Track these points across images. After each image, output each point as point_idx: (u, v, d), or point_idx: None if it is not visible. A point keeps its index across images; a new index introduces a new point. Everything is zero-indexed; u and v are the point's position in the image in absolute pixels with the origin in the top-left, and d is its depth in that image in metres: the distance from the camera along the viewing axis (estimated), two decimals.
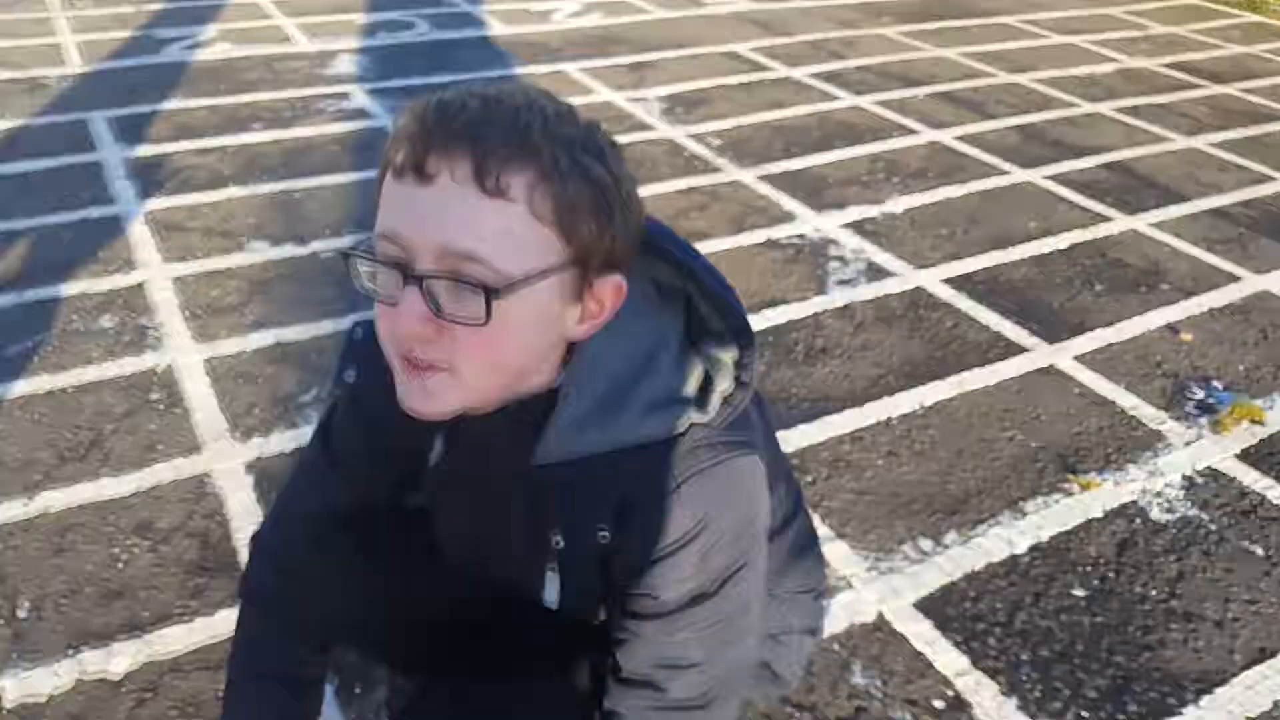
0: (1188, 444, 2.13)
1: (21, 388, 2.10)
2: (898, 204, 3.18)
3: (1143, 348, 2.48)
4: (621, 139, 3.36)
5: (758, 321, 2.49)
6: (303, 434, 2.01)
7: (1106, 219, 3.15)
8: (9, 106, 3.51)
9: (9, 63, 3.93)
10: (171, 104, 3.66)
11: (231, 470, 1.91)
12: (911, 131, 3.78)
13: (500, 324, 0.74)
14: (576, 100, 3.76)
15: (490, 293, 0.73)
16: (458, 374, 0.78)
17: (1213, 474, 2.05)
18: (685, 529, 0.87)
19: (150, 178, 3.06)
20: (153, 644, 1.54)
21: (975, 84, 4.36)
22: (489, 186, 0.72)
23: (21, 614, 1.58)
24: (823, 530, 1.84)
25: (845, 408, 2.19)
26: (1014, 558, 1.81)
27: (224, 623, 1.58)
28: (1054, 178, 3.43)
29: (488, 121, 0.73)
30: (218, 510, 1.81)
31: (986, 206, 3.20)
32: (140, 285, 2.51)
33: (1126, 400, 2.27)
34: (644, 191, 3.06)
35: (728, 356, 0.88)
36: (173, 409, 2.07)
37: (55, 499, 1.81)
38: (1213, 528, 1.91)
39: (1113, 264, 2.88)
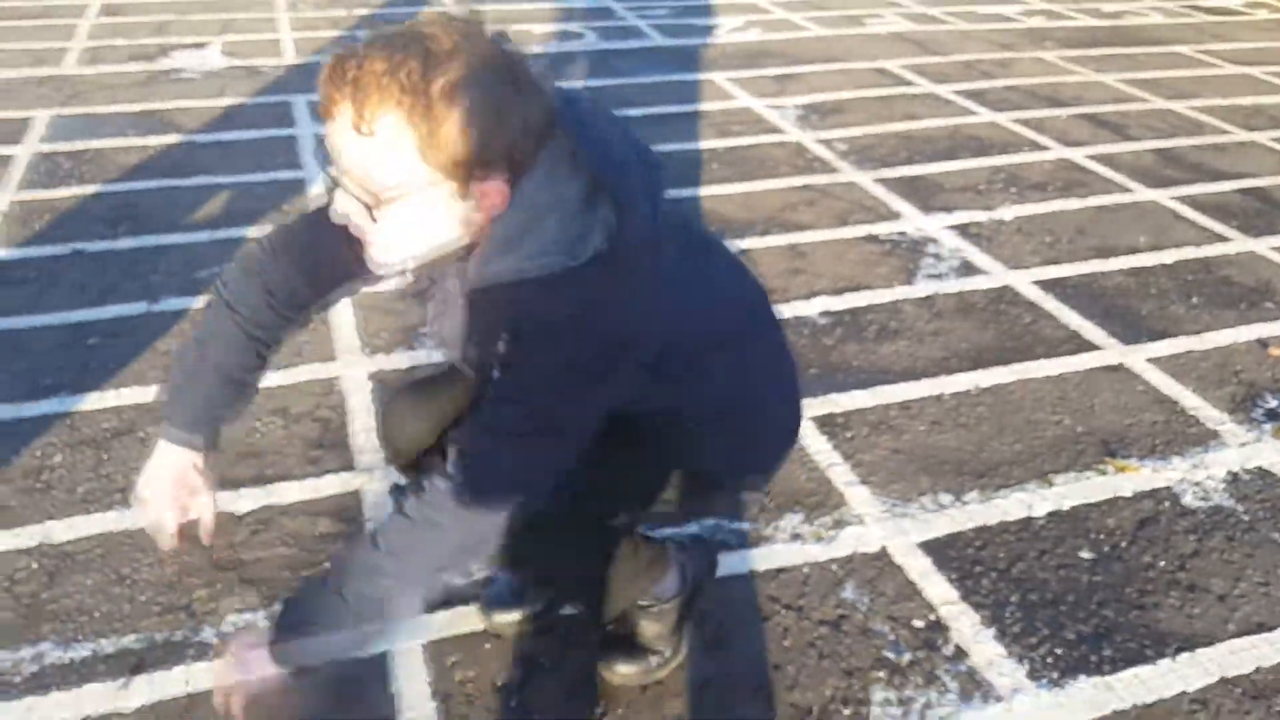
0: (1243, 444, 2.15)
1: (201, 302, 2.57)
2: (1008, 212, 3.26)
3: (1224, 357, 2.48)
4: (748, 140, 3.62)
5: (837, 303, 2.66)
6: (418, 356, 2.36)
7: (1225, 239, 3.11)
8: (231, 88, 4.14)
9: (236, 53, 4.61)
10: None
11: (356, 377, 2.28)
12: (1042, 148, 3.82)
13: (388, 222, 1.03)
14: (714, 105, 4.10)
15: (368, 205, 1.01)
16: (379, 251, 1.07)
17: (1261, 473, 2.07)
18: (542, 344, 1.08)
19: None
20: (271, 493, 1.92)
21: (1124, 108, 4.32)
22: (362, 130, 0.97)
23: None
24: (848, 476, 2.01)
25: (901, 381, 2.34)
26: (1029, 519, 1.92)
27: (329, 484, 1.94)
28: (1180, 198, 3.40)
29: (367, 74, 0.96)
30: (340, 405, 2.18)
31: (1099, 220, 3.23)
32: None
33: (1190, 401, 2.30)
34: (757, 187, 3.32)
35: (611, 219, 1.09)
36: (320, 326, 2.47)
37: None
38: (1245, 518, 1.94)
39: (1218, 280, 2.86)
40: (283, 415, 2.14)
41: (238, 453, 2.02)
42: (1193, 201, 3.38)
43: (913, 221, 3.17)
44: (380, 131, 0.98)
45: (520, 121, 1.02)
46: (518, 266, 1.07)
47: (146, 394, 2.19)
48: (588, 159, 1.09)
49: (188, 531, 1.29)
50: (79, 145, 3.50)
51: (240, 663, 1.16)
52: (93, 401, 2.16)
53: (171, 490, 1.26)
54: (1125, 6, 6.30)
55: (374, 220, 1.03)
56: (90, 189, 3.17)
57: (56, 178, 3.23)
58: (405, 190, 1.01)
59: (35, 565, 1.73)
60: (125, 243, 2.84)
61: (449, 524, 1.12)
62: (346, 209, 1.05)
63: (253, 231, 2.95)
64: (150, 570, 1.73)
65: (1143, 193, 3.44)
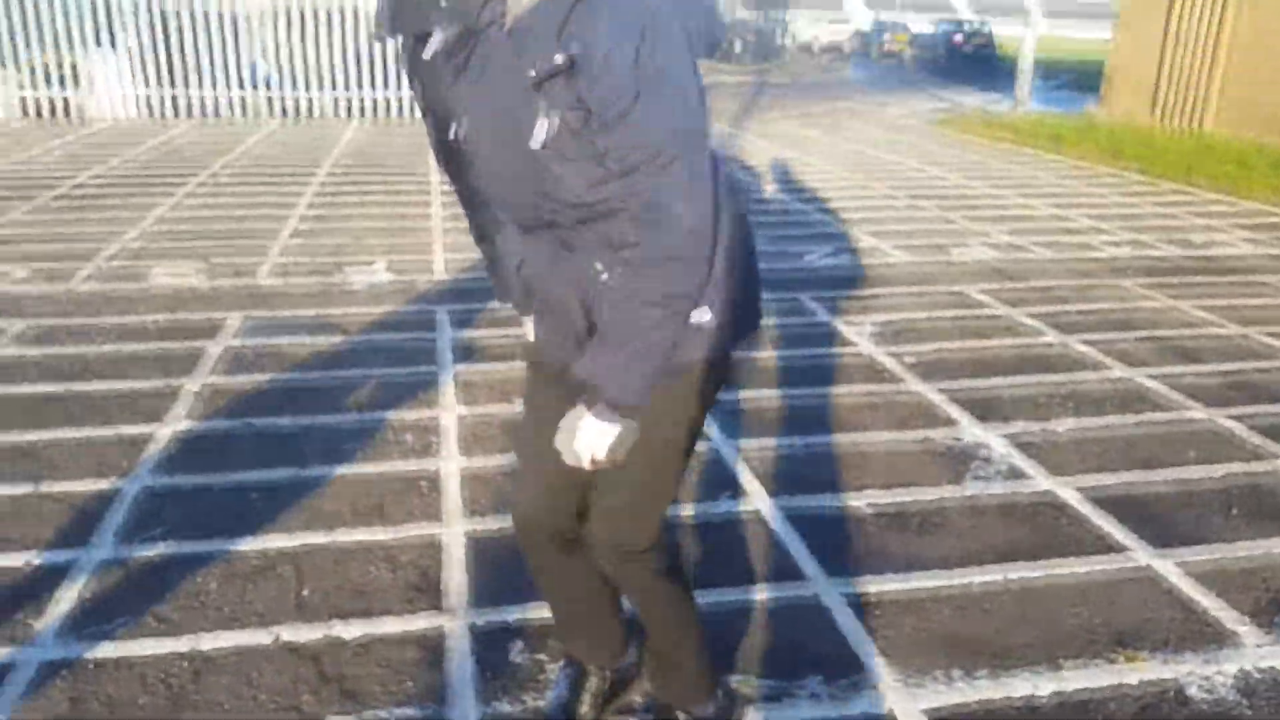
0: (1259, 645, 2.27)
1: (340, 470, 3.08)
2: (1062, 425, 3.50)
3: (1255, 566, 2.61)
4: (823, 350, 4.02)
5: (885, 496, 2.95)
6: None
7: (1277, 457, 3.24)
8: (389, 298, 4.89)
9: (397, 270, 5.42)
10: (493, 304, 4.86)
11: (456, 537, 2.70)
12: (1105, 368, 4.07)
13: None
14: (794, 320, 4.54)
15: None
16: None
17: (1273, 673, 2.18)
18: (614, 37, 1.23)
19: (465, 351, 4.16)
20: (373, 624, 2.31)
21: (1196, 332, 4.54)
22: None
23: (305, 593, 2.42)
24: (870, 649, 2.25)
25: (935, 569, 2.58)
26: (1032, 697, 2.10)
27: (420, 620, 2.31)
28: (1238, 418, 3.56)
29: None
30: (439, 560, 2.59)
31: (1151, 435, 3.42)
32: (437, 417, 3.49)
33: (1211, 603, 2.44)
34: (824, 391, 3.69)
35: None
36: (431, 494, 2.93)
37: (347, 536, 2.69)
38: (1249, 713, 2.06)
39: (1262, 494, 3.00)
40: (391, 563, 2.56)
41: (350, 590, 2.44)
42: (1251, 423, 3.54)
43: (968, 430, 3.45)
44: None
45: None
46: None
47: (290, 540, 2.66)
48: None
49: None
50: (261, 341, 4.22)
51: (583, 429, 1.44)
52: (246, 544, 2.64)
53: None
54: (1214, 237, 6.57)
55: None
56: (265, 376, 3.83)
57: (240, 367, 3.92)
58: None
59: (185, 665, 2.15)
60: (286, 420, 3.43)
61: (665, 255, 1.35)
62: None
63: (390, 415, 3.49)
64: (273, 677, 2.12)
65: (1200, 412, 3.62)
